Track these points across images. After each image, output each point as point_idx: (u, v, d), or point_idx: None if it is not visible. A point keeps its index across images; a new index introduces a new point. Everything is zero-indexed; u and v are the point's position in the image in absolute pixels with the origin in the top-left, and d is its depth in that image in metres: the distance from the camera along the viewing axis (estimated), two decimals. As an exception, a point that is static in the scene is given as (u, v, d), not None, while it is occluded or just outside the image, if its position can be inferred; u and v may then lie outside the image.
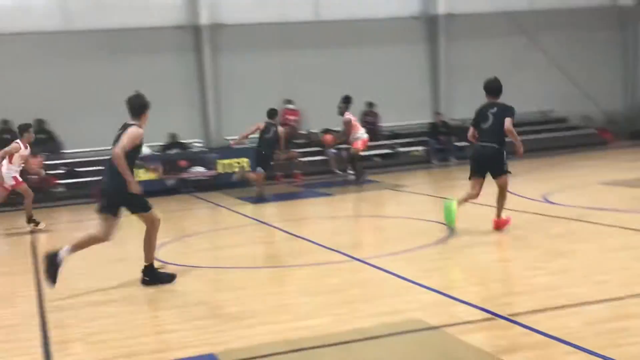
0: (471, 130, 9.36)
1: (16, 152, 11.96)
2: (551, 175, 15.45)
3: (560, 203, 11.20)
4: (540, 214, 10.41)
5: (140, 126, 7.46)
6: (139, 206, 7.52)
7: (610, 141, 21.69)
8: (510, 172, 9.22)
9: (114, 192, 7.39)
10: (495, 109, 9.11)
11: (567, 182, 13.62)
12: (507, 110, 9.08)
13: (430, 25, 21.22)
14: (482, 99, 9.42)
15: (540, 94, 22.06)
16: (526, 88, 21.89)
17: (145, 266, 7.60)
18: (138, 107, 7.53)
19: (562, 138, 21.34)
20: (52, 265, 7.25)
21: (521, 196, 12.28)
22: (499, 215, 9.25)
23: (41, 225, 12.41)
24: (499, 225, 9.21)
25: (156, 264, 7.75)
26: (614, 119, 22.96)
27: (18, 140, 12.17)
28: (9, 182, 12.10)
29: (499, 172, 9.10)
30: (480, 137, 9.20)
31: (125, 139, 7.28)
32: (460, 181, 16.24)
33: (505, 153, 9.10)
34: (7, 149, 11.98)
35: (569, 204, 11.05)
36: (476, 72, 21.73)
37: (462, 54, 21.51)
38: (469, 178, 9.34)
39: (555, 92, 22.19)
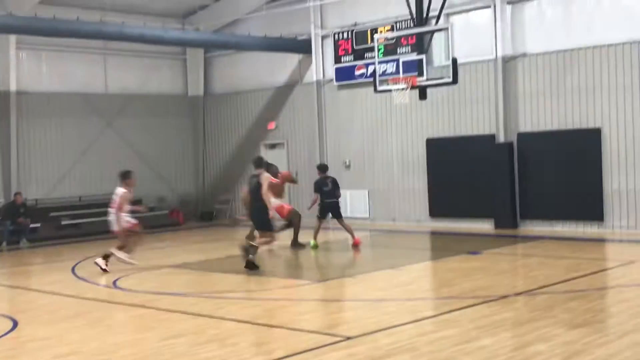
0: (315, 196, 15.49)
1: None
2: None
3: (129, 289, 11.37)
4: (108, 302, 10.44)
5: (264, 173, 12.60)
6: (267, 227, 12.69)
7: (182, 222, 22.82)
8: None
9: (262, 216, 12.58)
10: (330, 179, 15.52)
11: (139, 266, 13.89)
12: (336, 181, 15.73)
13: (1, 102, 20.20)
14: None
15: (114, 176, 22.31)
16: (103, 169, 22.06)
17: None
18: (259, 162, 12.93)
19: (137, 219, 21.60)
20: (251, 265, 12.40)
21: (90, 282, 12.20)
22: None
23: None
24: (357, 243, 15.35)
25: None
26: (186, 200, 24.27)
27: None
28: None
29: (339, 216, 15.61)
30: (324, 197, 15.35)
31: (266, 183, 12.42)
32: (31, 266, 15.61)
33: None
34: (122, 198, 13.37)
35: (138, 289, 11.27)
36: (52, 151, 21.44)
37: (36, 132, 20.90)
38: (318, 218, 15.48)
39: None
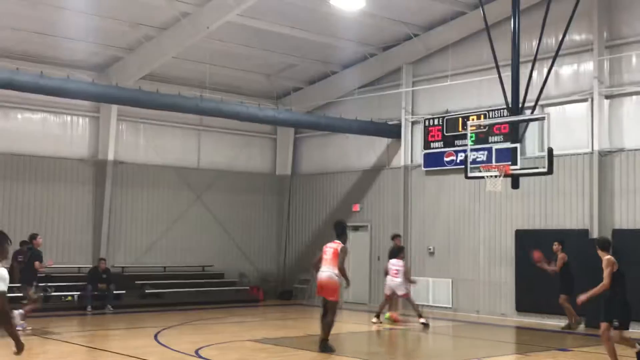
0: None
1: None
2: (206, 330, 15.64)
3: (210, 359, 11.31)
4: (191, 370, 10.39)
5: None
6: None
7: (261, 299, 22.78)
8: None
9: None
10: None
11: (219, 338, 13.85)
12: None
13: (98, 170, 20.96)
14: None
15: (202, 249, 22.71)
16: (189, 242, 22.44)
17: None
18: None
19: (218, 293, 21.90)
20: None
21: (174, 350, 12.22)
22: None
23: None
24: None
25: None
26: (267, 278, 24.29)
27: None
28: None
29: None
30: None
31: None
32: (114, 330, 15.79)
33: None
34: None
35: (219, 360, 11.22)
36: (142, 221, 22.00)
37: (128, 201, 21.50)
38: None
39: (216, 247, 23.03)
